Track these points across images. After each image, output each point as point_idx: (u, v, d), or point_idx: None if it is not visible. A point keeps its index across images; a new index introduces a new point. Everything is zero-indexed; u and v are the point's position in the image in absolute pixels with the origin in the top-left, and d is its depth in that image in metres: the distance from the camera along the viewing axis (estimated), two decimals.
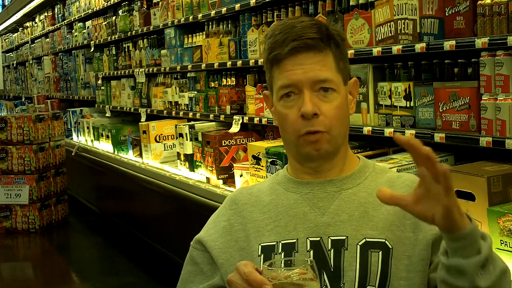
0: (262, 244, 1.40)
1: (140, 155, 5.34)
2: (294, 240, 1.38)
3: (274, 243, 1.39)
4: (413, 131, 2.70)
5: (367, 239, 1.35)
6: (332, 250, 1.35)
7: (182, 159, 4.62)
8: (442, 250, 1.20)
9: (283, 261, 1.24)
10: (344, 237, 1.36)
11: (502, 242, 2.13)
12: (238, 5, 4.07)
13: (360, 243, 1.34)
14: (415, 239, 1.35)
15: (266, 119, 3.81)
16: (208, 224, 1.52)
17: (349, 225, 1.37)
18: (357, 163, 1.47)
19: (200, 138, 4.26)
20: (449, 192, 1.11)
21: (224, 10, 4.26)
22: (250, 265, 1.20)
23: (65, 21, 8.53)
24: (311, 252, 1.36)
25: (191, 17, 4.78)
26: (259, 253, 1.39)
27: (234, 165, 3.88)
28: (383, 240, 1.35)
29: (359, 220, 1.37)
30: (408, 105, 2.78)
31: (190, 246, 1.51)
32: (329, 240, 1.36)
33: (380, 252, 1.34)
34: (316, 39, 1.37)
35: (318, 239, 1.37)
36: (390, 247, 1.34)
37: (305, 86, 1.36)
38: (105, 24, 6.86)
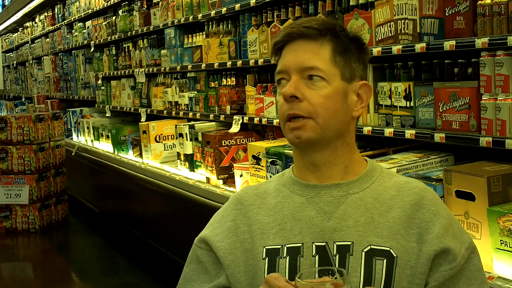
0: (266, 247, 1.39)
1: (140, 155, 5.34)
2: (300, 244, 1.37)
3: (279, 246, 1.38)
4: (413, 131, 2.70)
5: (372, 246, 1.34)
6: (338, 255, 1.34)
7: (182, 159, 4.62)
8: None
9: (316, 271, 1.22)
10: (349, 243, 1.35)
11: (502, 242, 2.13)
12: (238, 5, 4.07)
13: (365, 250, 1.34)
14: (419, 250, 1.34)
15: (266, 119, 3.81)
16: (213, 223, 1.50)
17: (354, 231, 1.36)
18: (364, 166, 1.46)
19: (200, 138, 4.26)
20: None
21: (224, 10, 4.26)
22: (282, 279, 1.20)
23: (65, 21, 8.54)
24: (317, 257, 1.35)
25: (191, 17, 4.78)
26: (264, 256, 1.38)
27: (234, 165, 3.88)
28: (388, 249, 1.34)
29: (364, 226, 1.36)
30: (408, 105, 2.78)
31: (193, 244, 1.49)
32: (335, 245, 1.35)
33: (385, 260, 1.33)
34: (312, 29, 1.39)
35: (323, 244, 1.36)
36: (395, 255, 1.33)
37: (293, 72, 1.39)
38: (105, 24, 6.86)
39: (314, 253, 1.35)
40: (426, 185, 1.47)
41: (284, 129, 1.42)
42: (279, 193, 1.46)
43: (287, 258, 1.36)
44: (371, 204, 1.39)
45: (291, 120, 1.38)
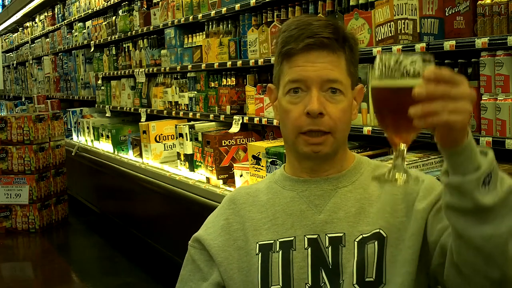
0: (259, 243, 1.41)
1: (140, 155, 5.34)
2: (292, 238, 1.38)
3: (272, 241, 1.40)
4: None
5: (364, 235, 1.35)
6: (330, 247, 1.36)
7: (182, 159, 4.62)
8: (443, 170, 1.14)
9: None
10: (341, 234, 1.36)
11: None
12: (238, 5, 4.07)
13: (357, 239, 1.35)
14: (408, 222, 1.35)
15: (266, 119, 3.81)
16: (207, 223, 1.52)
17: (345, 222, 1.37)
18: (352, 160, 1.48)
19: (200, 138, 4.26)
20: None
21: (224, 10, 4.26)
22: None
23: (65, 21, 8.54)
24: (309, 249, 1.36)
25: (191, 17, 4.78)
26: (257, 251, 1.40)
27: (234, 165, 3.89)
28: (378, 230, 1.35)
29: (355, 217, 1.37)
30: None
31: (188, 245, 1.51)
32: (327, 237, 1.37)
33: (376, 242, 1.34)
34: (332, 39, 1.36)
35: (315, 236, 1.37)
36: (385, 235, 1.35)
37: (314, 84, 1.35)
38: (105, 24, 6.87)
39: (306, 245, 1.37)
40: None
41: (296, 139, 1.38)
42: (270, 190, 1.48)
43: (280, 252, 1.38)
44: (361, 195, 1.40)
45: (309, 134, 1.36)
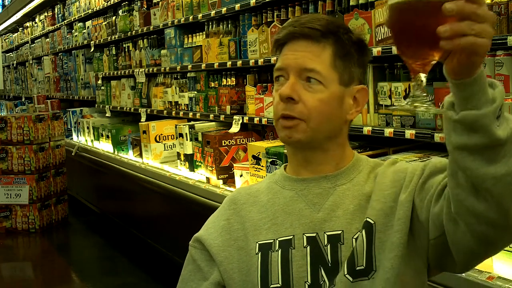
0: (259, 242, 1.41)
1: (140, 155, 5.34)
2: (291, 237, 1.39)
3: (271, 240, 1.40)
4: (413, 131, 2.70)
5: (360, 232, 1.36)
6: (329, 245, 1.36)
7: (182, 159, 4.62)
8: (448, 105, 1.09)
9: None
10: (339, 232, 1.36)
11: None
12: (238, 5, 4.07)
13: (355, 237, 1.35)
14: (395, 207, 1.35)
15: (266, 119, 3.81)
16: (207, 223, 1.53)
17: (344, 219, 1.38)
18: (351, 158, 1.48)
19: (200, 138, 4.26)
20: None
21: (224, 10, 4.26)
22: None
23: (65, 21, 8.54)
24: (308, 248, 1.37)
25: (191, 17, 4.78)
26: (257, 251, 1.40)
27: (234, 165, 3.89)
28: (365, 219, 1.36)
29: (353, 214, 1.38)
30: None
31: (189, 246, 1.52)
32: (325, 235, 1.37)
33: (363, 231, 1.34)
34: (316, 30, 1.38)
35: (314, 234, 1.38)
36: (372, 222, 1.35)
37: (292, 72, 1.38)
38: (105, 24, 6.87)
39: (305, 244, 1.37)
40: (395, 159, 1.50)
41: (277, 126, 1.43)
42: (270, 190, 1.49)
43: (279, 251, 1.38)
44: (358, 191, 1.41)
45: (284, 118, 1.39)
